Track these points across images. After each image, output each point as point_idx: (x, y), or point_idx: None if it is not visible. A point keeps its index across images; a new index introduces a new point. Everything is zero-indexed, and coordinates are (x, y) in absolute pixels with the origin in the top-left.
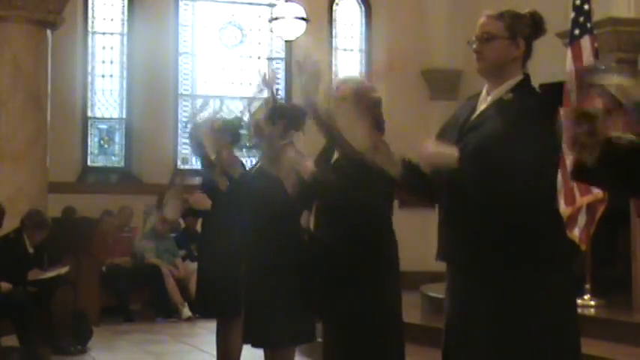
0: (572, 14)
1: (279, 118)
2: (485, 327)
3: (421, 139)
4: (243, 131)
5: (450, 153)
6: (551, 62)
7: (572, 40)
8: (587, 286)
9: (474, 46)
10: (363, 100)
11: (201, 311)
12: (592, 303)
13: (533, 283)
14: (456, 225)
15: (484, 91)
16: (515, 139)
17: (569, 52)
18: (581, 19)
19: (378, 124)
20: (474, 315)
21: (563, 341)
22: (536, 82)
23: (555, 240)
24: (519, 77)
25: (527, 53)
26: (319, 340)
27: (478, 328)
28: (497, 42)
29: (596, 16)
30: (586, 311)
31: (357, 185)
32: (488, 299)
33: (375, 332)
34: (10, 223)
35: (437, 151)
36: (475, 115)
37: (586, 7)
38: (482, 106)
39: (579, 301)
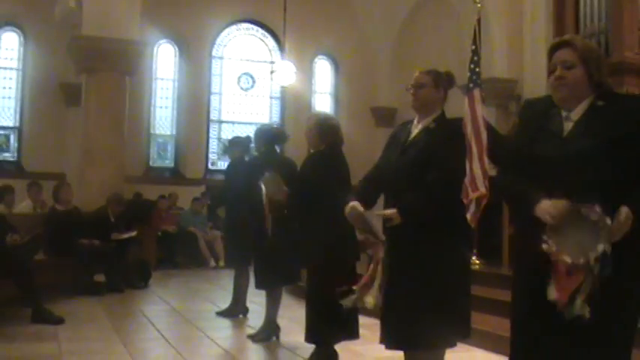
0: (468, 74)
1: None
2: (407, 269)
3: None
4: (251, 145)
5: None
6: (456, 105)
7: (468, 91)
8: (475, 251)
9: (411, 91)
10: (323, 129)
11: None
12: (477, 262)
13: (441, 248)
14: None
15: (415, 121)
16: (440, 154)
17: (466, 99)
18: (474, 77)
19: (334, 142)
20: (400, 265)
21: (459, 286)
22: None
23: (460, 222)
24: (439, 112)
25: (445, 97)
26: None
27: (403, 271)
28: (426, 89)
29: (483, 75)
30: (474, 267)
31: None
32: (412, 257)
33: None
34: (99, 202)
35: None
36: (411, 137)
37: (477, 69)
38: (415, 131)
39: (469, 260)
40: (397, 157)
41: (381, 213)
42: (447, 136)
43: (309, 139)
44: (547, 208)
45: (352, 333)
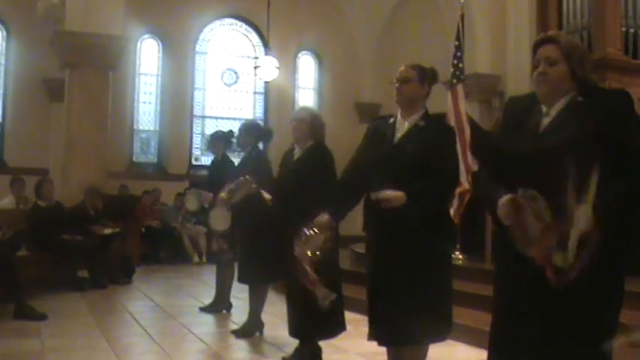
0: (451, 69)
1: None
2: (397, 268)
3: (354, 147)
4: (233, 139)
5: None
6: (438, 101)
7: (452, 87)
8: (458, 246)
9: (396, 85)
10: (315, 123)
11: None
12: (460, 257)
13: (425, 245)
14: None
15: (399, 117)
16: (442, 153)
17: (449, 95)
18: (457, 73)
19: (322, 139)
20: (389, 263)
21: (443, 282)
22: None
23: (443, 218)
24: (423, 109)
25: (428, 93)
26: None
27: (393, 269)
28: (411, 83)
29: (467, 71)
30: (456, 262)
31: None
32: (402, 252)
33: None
34: (80, 197)
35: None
36: (401, 135)
37: (460, 65)
38: (402, 129)
39: (452, 256)
40: (388, 153)
41: (385, 195)
42: (443, 134)
43: (296, 132)
44: (499, 212)
45: (338, 328)
